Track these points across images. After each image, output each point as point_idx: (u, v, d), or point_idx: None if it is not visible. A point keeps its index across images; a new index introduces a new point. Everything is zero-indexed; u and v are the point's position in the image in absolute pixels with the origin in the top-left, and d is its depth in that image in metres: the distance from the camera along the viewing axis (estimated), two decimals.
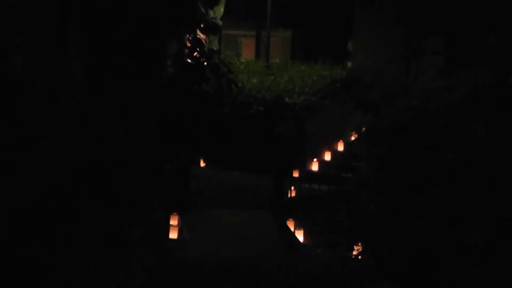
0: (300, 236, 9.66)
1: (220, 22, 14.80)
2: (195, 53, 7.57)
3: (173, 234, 8.80)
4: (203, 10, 7.65)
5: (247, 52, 21.47)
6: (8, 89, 4.80)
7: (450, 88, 6.41)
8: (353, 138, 12.94)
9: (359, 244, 6.63)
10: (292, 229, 9.86)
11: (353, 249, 6.70)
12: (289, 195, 11.25)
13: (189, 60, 7.53)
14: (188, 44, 7.61)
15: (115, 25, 5.85)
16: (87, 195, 5.47)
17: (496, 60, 6.11)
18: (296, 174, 12.05)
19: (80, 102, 5.63)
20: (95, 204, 5.51)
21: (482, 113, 5.76)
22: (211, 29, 8.12)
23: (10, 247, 4.56)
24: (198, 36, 7.67)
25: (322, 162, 13.35)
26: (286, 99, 13.96)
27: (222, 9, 16.01)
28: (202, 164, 14.00)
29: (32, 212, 4.80)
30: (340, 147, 13.74)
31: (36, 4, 5.04)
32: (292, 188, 11.40)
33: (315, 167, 13.15)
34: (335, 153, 13.65)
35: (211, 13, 12.37)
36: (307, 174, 12.59)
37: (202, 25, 7.66)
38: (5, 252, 4.51)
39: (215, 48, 12.03)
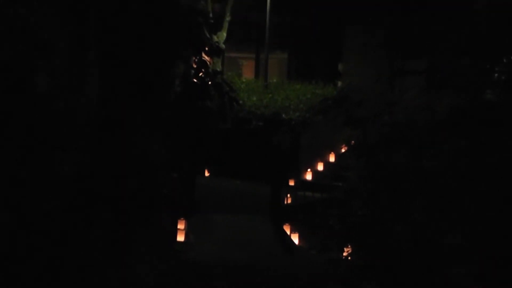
0: (295, 239, 9.65)
1: (223, 46, 14.88)
2: (200, 74, 7.60)
3: (180, 237, 8.80)
4: (207, 35, 7.69)
5: (247, 72, 21.48)
6: (32, 106, 4.82)
7: (430, 106, 6.43)
8: (343, 150, 12.97)
9: (349, 246, 6.61)
10: (288, 232, 9.85)
11: (344, 251, 6.68)
12: (285, 202, 11.24)
13: (195, 80, 7.57)
14: (194, 66, 7.65)
15: (129, 48, 5.89)
16: (102, 202, 5.48)
17: (471, 81, 6.15)
18: (291, 182, 12.04)
19: (96, 118, 5.65)
20: (109, 210, 5.52)
21: (459, 129, 5.78)
22: (215, 52, 8.17)
23: (31, 249, 4.57)
24: (203, 58, 7.71)
25: (315, 172, 13.35)
26: (283, 115, 13.97)
27: (224, 34, 16.08)
28: (206, 173, 14.00)
29: (53, 218, 4.81)
30: (332, 158, 13.75)
31: (60, 31, 5.07)
32: (288, 195, 11.39)
33: (309, 176, 13.15)
34: (327, 164, 13.66)
35: (215, 37, 12.42)
36: (301, 183, 12.58)
37: (207, 49, 7.69)
38: (27, 253, 4.52)
39: (218, 69, 12.09)
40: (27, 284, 4.53)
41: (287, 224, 9.98)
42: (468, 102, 6.07)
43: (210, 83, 7.68)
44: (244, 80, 16.80)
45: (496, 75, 6.65)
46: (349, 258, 6.56)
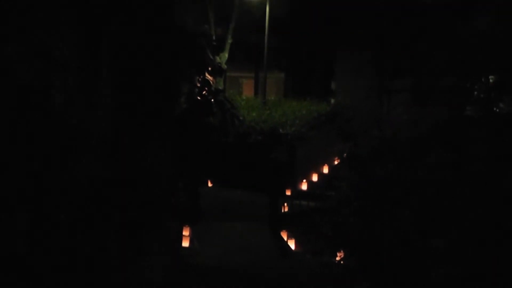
0: (292, 244, 9.66)
1: (225, 66, 14.94)
2: (204, 92, 7.65)
3: (185, 243, 8.80)
4: (211, 56, 7.75)
5: (247, 90, 21.57)
6: (50, 122, 4.86)
7: (415, 122, 6.49)
8: (336, 163, 12.99)
9: (341, 251, 6.63)
10: (285, 238, 9.85)
11: (336, 255, 6.70)
12: (282, 210, 11.24)
13: (199, 98, 7.62)
14: (198, 84, 7.70)
15: (139, 69, 5.94)
16: (114, 209, 5.50)
17: (452, 98, 6.21)
18: (288, 192, 12.04)
19: (109, 133, 5.69)
20: (120, 216, 5.54)
21: (442, 142, 5.83)
22: (217, 72, 8.21)
23: (51, 252, 4.59)
24: (206, 77, 7.76)
25: (310, 183, 13.36)
26: (280, 130, 14.00)
27: (226, 55, 16.17)
28: (209, 184, 14.00)
29: (68, 222, 4.84)
30: (325, 170, 13.76)
31: (74, 51, 5.13)
32: (285, 204, 11.39)
33: (304, 186, 13.15)
34: (321, 175, 13.67)
35: (217, 58, 12.45)
36: (297, 192, 12.58)
37: (210, 69, 7.75)
38: (47, 256, 4.55)
39: (220, 88, 12.13)
40: (43, 284, 4.54)
41: (284, 230, 9.98)
42: (450, 117, 6.14)
43: (212, 100, 7.73)
44: (244, 98, 16.86)
45: (475, 93, 6.72)
46: (341, 261, 6.58)
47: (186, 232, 8.91)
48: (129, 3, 5.86)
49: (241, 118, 12.39)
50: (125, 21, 5.85)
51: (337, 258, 6.72)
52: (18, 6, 4.71)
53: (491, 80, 6.77)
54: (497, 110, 6.64)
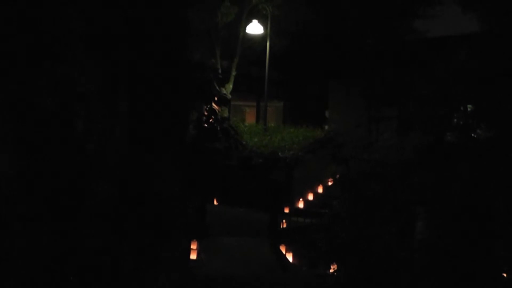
0: (290, 257, 9.61)
1: (230, 96, 15.04)
2: (211, 120, 7.71)
3: (193, 256, 8.77)
4: (217, 87, 7.84)
5: (250, 118, 21.63)
6: (71, 147, 4.90)
7: (401, 146, 6.52)
8: (329, 183, 12.99)
9: (334, 263, 6.61)
10: (284, 252, 9.81)
11: (330, 268, 6.67)
12: (281, 227, 11.20)
13: (206, 125, 7.67)
14: (206, 113, 7.76)
15: (152, 99, 5.99)
16: (128, 226, 5.50)
17: (434, 125, 6.25)
18: (286, 210, 12.00)
19: (125, 157, 5.71)
20: (135, 233, 5.54)
21: (425, 165, 5.85)
22: (222, 101, 8.29)
23: (73, 265, 4.59)
24: (213, 107, 7.82)
25: (306, 201, 13.33)
26: (279, 154, 14.01)
27: (231, 86, 16.26)
28: (215, 202, 13.97)
29: (87, 239, 4.84)
30: (320, 190, 13.73)
31: (95, 84, 5.19)
32: (284, 221, 11.36)
33: (301, 205, 13.12)
34: (316, 194, 13.64)
35: (223, 89, 12.58)
36: (295, 210, 12.53)
37: (216, 99, 7.82)
38: (69, 267, 4.54)
39: (225, 116, 12.20)
40: None
41: (283, 245, 9.94)
42: (432, 143, 6.16)
43: (218, 128, 7.79)
44: (247, 125, 16.89)
45: (455, 120, 6.76)
46: (335, 273, 6.56)
47: (193, 246, 8.87)
48: (145, 40, 5.94)
49: (244, 143, 12.44)
50: (141, 57, 5.92)
51: (331, 270, 6.68)
52: (45, 42, 4.79)
53: (469, 109, 6.83)
54: (475, 136, 6.67)
